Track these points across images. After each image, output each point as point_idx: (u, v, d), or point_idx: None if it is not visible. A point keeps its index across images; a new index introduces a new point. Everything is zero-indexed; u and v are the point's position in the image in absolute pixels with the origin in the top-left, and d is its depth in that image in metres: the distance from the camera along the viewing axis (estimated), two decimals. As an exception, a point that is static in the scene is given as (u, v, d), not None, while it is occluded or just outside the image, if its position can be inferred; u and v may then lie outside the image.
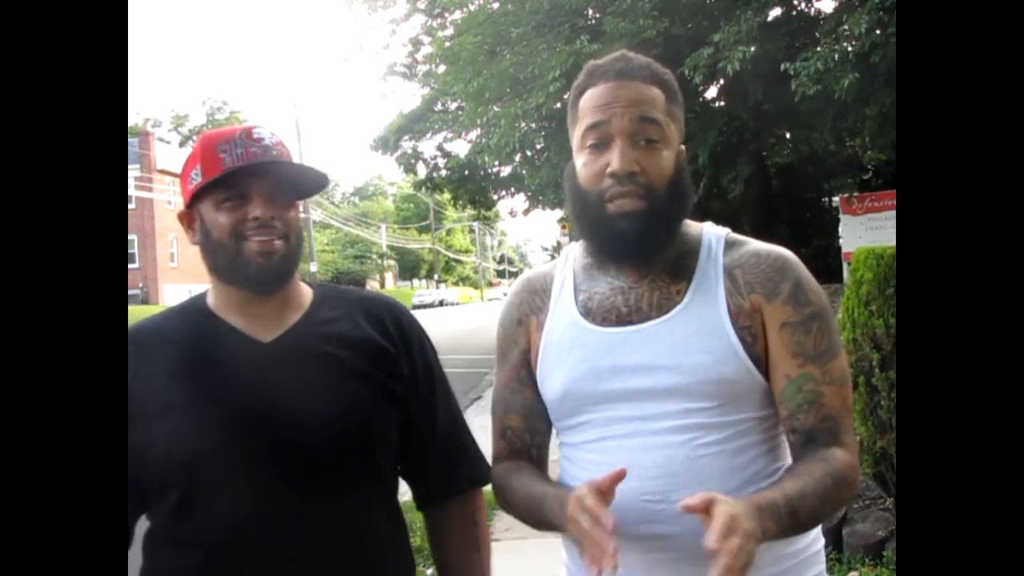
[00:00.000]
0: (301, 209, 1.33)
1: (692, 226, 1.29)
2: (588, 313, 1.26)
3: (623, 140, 1.18)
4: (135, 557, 1.23)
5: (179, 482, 1.19)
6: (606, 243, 1.24)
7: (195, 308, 1.32)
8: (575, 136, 1.25)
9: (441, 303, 51.42)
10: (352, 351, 1.29)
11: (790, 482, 1.11)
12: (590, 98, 1.22)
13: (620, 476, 1.06)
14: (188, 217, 1.28)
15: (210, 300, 1.32)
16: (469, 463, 1.41)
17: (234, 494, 1.19)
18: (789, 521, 1.06)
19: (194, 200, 1.26)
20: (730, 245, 1.26)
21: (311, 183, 1.30)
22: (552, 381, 1.27)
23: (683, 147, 1.26)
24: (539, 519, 1.22)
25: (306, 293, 1.35)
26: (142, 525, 1.28)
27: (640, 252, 1.23)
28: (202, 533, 1.19)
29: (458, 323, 27.71)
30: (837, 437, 1.16)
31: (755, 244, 1.26)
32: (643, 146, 1.18)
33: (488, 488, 1.38)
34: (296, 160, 1.30)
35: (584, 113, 1.22)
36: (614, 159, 1.18)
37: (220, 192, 1.23)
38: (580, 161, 1.23)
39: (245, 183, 1.22)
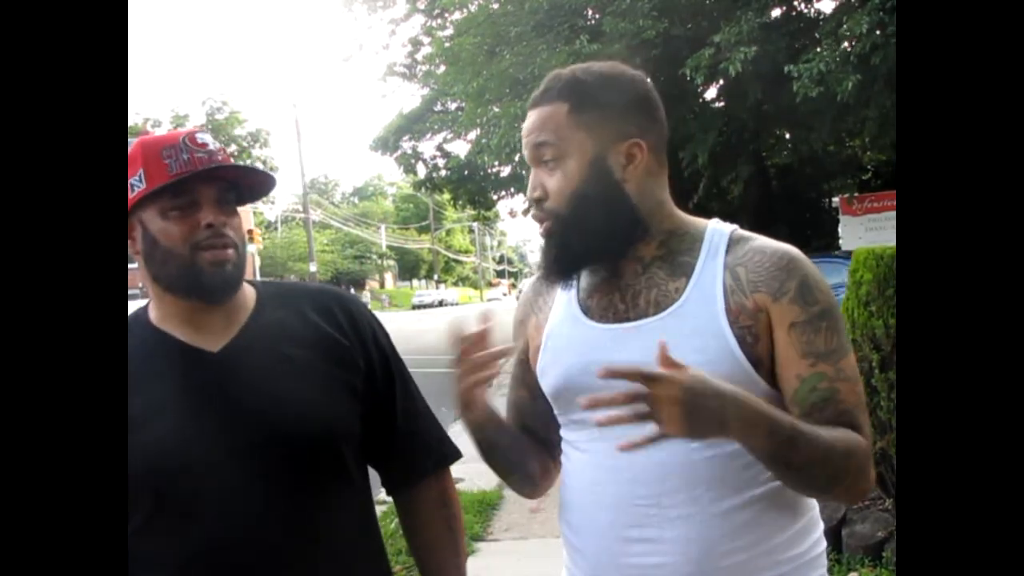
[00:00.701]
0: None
1: (697, 223, 1.27)
2: (588, 310, 1.26)
3: (534, 169, 1.24)
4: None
5: (141, 501, 1.14)
6: (543, 265, 1.28)
7: (139, 323, 1.28)
8: None
9: (441, 303, 51.43)
10: (303, 348, 1.26)
11: (805, 424, 1.11)
12: None
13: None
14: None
15: (152, 313, 1.27)
16: (435, 445, 1.40)
17: (198, 510, 1.16)
18: (783, 445, 1.06)
19: (132, 209, 1.20)
20: (735, 242, 1.23)
21: (260, 187, 1.28)
22: (550, 375, 1.27)
23: (630, 143, 1.20)
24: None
25: (249, 295, 1.31)
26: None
27: (563, 271, 1.25)
28: (167, 551, 1.16)
29: (458, 323, 27.65)
30: (857, 428, 1.15)
31: (760, 241, 1.23)
32: (548, 168, 1.22)
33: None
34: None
35: None
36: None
37: (166, 199, 1.18)
38: None
39: (194, 189, 1.19)
